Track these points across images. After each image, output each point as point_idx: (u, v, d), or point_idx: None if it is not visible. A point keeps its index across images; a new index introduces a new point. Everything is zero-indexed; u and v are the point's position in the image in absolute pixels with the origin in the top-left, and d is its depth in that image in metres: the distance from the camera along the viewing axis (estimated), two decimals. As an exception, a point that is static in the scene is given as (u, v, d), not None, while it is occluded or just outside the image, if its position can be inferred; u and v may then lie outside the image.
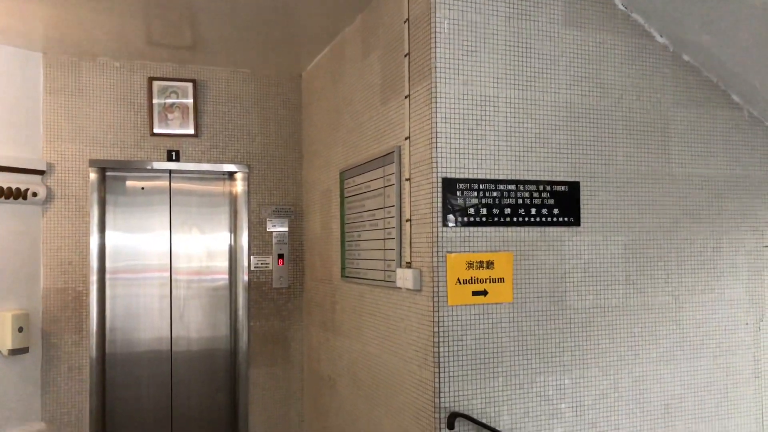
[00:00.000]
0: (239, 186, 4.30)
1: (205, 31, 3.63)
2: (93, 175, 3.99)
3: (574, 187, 2.64)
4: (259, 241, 4.31)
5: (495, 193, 2.50)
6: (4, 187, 3.63)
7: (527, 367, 2.53)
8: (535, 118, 2.58)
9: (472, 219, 2.46)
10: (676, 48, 2.84)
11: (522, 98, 2.56)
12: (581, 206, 2.65)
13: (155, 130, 4.11)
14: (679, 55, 2.85)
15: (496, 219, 2.50)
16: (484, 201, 2.48)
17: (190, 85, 4.19)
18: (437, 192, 2.41)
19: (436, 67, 2.43)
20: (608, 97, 2.72)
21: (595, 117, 2.69)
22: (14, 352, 3.64)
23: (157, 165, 4.13)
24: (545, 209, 2.59)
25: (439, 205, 2.41)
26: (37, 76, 3.91)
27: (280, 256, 4.33)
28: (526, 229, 2.55)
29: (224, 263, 4.35)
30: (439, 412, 2.38)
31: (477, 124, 2.48)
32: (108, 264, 4.09)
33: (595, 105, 2.70)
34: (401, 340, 2.71)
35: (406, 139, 2.65)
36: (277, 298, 4.34)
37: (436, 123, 2.42)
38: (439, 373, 2.39)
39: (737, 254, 2.95)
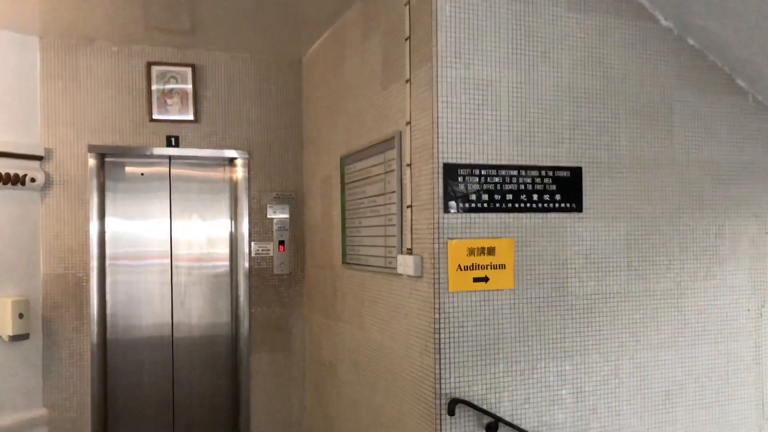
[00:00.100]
0: (239, 172, 4.27)
1: (203, 15, 3.59)
2: (92, 161, 3.96)
3: (576, 172, 2.62)
4: (260, 228, 4.30)
5: (496, 179, 2.48)
6: (2, 172, 3.61)
7: (528, 354, 2.52)
8: (537, 103, 2.55)
9: (473, 205, 2.44)
10: (681, 31, 2.80)
11: (524, 82, 2.53)
12: (583, 192, 2.63)
13: (154, 116, 4.08)
14: (684, 38, 2.81)
15: (497, 205, 2.48)
16: (485, 187, 2.46)
17: (189, 70, 4.15)
18: (438, 178, 2.39)
19: (437, 50, 2.39)
20: (611, 81, 2.69)
21: (598, 102, 2.66)
22: (15, 338, 3.64)
23: (156, 151, 4.11)
24: (547, 195, 2.57)
25: (440, 191, 2.39)
26: (34, 60, 3.88)
27: (281, 242, 4.32)
28: (528, 215, 2.53)
29: (225, 250, 4.34)
30: (440, 399, 2.38)
31: (479, 109, 2.45)
32: (108, 250, 4.08)
33: (598, 89, 2.67)
34: (402, 327, 2.70)
35: (407, 124, 2.62)
36: (278, 284, 4.34)
37: (437, 107, 2.39)
38: (440, 359, 2.38)
39: (740, 241, 2.93)
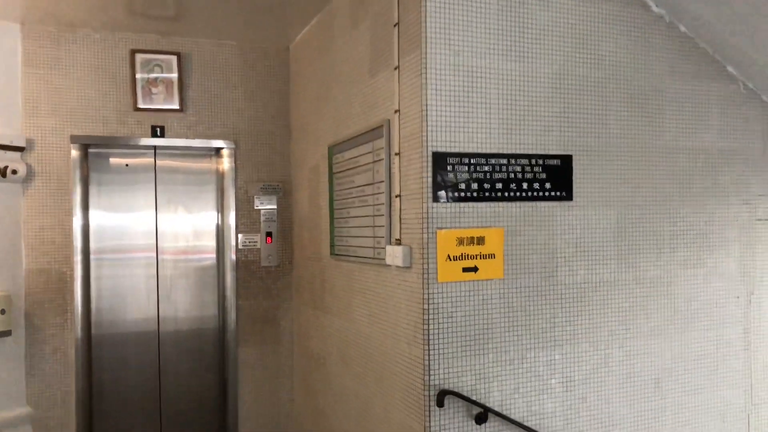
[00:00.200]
0: (226, 162, 4.22)
1: (188, 1, 3.52)
2: (75, 152, 3.89)
3: (566, 160, 2.59)
4: (247, 219, 4.25)
5: (486, 168, 2.45)
6: (-17, 164, 3.54)
7: (518, 344, 2.50)
8: (527, 90, 2.52)
9: (462, 194, 2.41)
10: (672, 18, 2.77)
11: (514, 69, 2.50)
12: (573, 180, 2.61)
13: (139, 105, 4.01)
14: (675, 25, 2.79)
15: (487, 194, 2.45)
16: (475, 176, 2.42)
17: (174, 58, 4.08)
18: (427, 167, 2.35)
19: (426, 37, 2.35)
20: (602, 68, 2.66)
21: (588, 89, 2.64)
22: (-3, 334, 3.58)
23: (141, 141, 4.04)
24: (537, 184, 2.54)
25: (429, 180, 2.35)
26: (15, 48, 3.79)
27: (269, 234, 4.27)
28: (518, 204, 2.51)
29: (211, 242, 4.29)
30: (429, 390, 2.35)
31: (468, 97, 2.42)
32: (92, 244, 4.01)
33: (589, 76, 2.64)
34: (391, 318, 2.67)
35: (395, 112, 2.58)
36: (265, 276, 4.29)
37: (426, 95, 2.35)
38: (429, 350, 2.35)
39: (729, 228, 2.93)
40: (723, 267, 2.91)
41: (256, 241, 4.26)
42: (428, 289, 2.36)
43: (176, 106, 4.08)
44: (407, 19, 2.48)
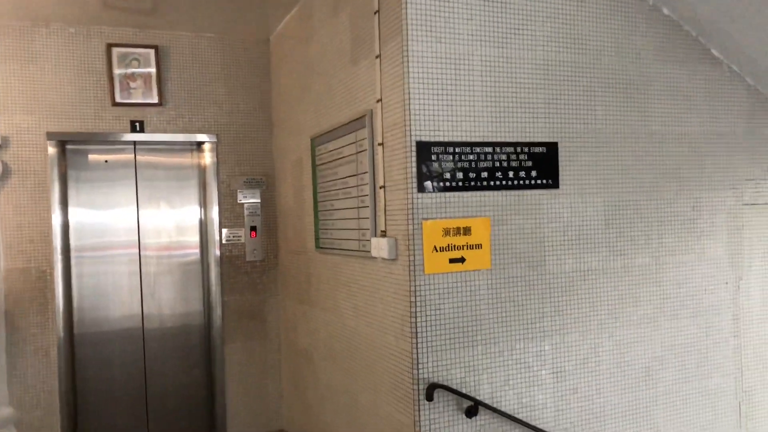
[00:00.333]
0: (208, 157, 4.14)
1: (163, -7, 3.44)
2: (52, 149, 3.79)
3: (552, 148, 2.55)
4: (231, 214, 4.18)
5: (471, 157, 2.40)
6: (-44, 163, 3.44)
7: (507, 335, 2.47)
8: (511, 77, 2.47)
9: (447, 184, 2.36)
10: (656, 1, 2.73)
11: (498, 56, 2.45)
12: (560, 168, 2.57)
13: (117, 100, 3.92)
14: (659, 8, 2.75)
15: (472, 183, 2.41)
16: (459, 165, 2.38)
17: (152, 51, 3.98)
18: (411, 157, 2.30)
19: (407, 24, 2.29)
20: (586, 53, 2.62)
21: (573, 74, 2.59)
22: (-24, 335, 3.50)
23: (120, 137, 3.95)
24: (523, 172, 2.50)
25: (414, 170, 2.30)
26: (-15, 44, 3.69)
27: (253, 228, 4.21)
28: (504, 192, 2.46)
29: (195, 237, 4.22)
30: (418, 384, 2.31)
31: (451, 84, 2.36)
32: (73, 242, 3.93)
33: (573, 62, 2.59)
34: (377, 311, 2.63)
35: (377, 101, 2.52)
36: (251, 271, 4.23)
37: (409, 83, 2.30)
38: (417, 343, 2.31)
39: (717, 213, 2.90)
40: (711, 253, 2.89)
41: (241, 236, 4.19)
42: (415, 281, 2.31)
43: (155, 101, 3.99)
44: (387, 6, 2.42)
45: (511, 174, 2.47)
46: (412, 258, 2.31)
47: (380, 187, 2.55)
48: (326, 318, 3.31)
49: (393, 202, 2.44)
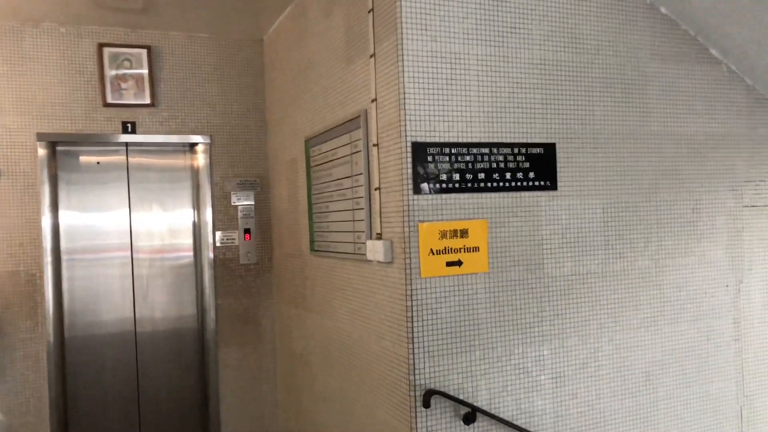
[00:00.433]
0: (201, 158, 4.09)
1: (155, -8, 3.38)
2: (42, 150, 3.73)
3: (550, 149, 2.51)
4: (224, 216, 4.12)
5: (468, 158, 2.35)
6: (-57, 165, 3.38)
7: (505, 339, 2.42)
8: (508, 77, 2.43)
9: (444, 186, 2.31)
10: None
11: (494, 55, 2.40)
12: (558, 169, 2.52)
13: (108, 101, 3.86)
14: (657, 7, 2.71)
15: (469, 185, 2.36)
16: (456, 166, 2.33)
17: (144, 51, 3.93)
18: (407, 158, 2.25)
19: (401, 23, 2.25)
20: (584, 52, 2.58)
21: (570, 74, 2.55)
22: (-36, 340, 3.44)
23: (112, 138, 3.89)
24: (520, 173, 2.45)
25: (409, 171, 2.25)
26: (-26, 44, 3.63)
27: (247, 230, 4.15)
28: (501, 194, 2.42)
29: (188, 240, 4.16)
30: (415, 390, 2.26)
31: (447, 84, 2.32)
32: (63, 245, 3.87)
33: (571, 61, 2.55)
34: (373, 315, 2.58)
35: (372, 101, 2.48)
36: (245, 274, 4.17)
37: (404, 83, 2.25)
38: (414, 348, 2.26)
39: (717, 215, 2.86)
40: (711, 256, 2.85)
41: (234, 238, 4.13)
42: (411, 284, 2.26)
43: (147, 101, 3.93)
44: (382, 5, 2.37)
45: (508, 175, 2.43)
46: (408, 261, 2.26)
47: (375, 189, 2.50)
48: (321, 322, 3.25)
49: (388, 204, 2.40)
